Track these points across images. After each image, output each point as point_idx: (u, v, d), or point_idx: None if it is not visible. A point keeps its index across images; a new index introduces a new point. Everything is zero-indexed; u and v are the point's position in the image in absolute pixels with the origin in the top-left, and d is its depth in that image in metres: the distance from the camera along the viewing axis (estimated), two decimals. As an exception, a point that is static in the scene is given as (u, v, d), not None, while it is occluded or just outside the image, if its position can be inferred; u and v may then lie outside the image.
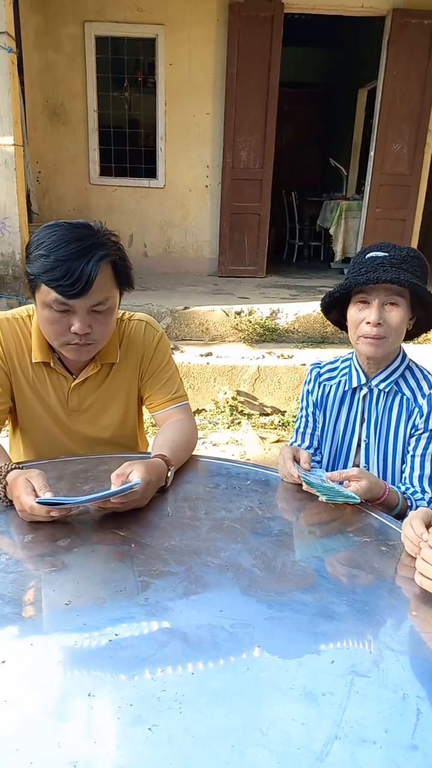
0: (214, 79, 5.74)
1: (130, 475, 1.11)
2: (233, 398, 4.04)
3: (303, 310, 4.54)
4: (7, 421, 1.47)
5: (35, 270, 1.17)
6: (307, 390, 1.46)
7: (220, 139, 5.85)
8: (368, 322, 1.25)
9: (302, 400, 1.48)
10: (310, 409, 1.46)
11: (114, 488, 1.07)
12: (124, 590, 0.89)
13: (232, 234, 6.02)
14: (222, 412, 3.97)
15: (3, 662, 0.75)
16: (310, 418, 1.47)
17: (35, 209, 5.61)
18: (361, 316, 1.28)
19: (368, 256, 1.27)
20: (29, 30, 5.56)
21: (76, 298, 1.17)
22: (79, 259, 1.14)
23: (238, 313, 4.55)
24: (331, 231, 6.56)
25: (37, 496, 1.04)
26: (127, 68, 5.94)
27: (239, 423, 3.93)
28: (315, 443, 1.47)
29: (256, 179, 5.85)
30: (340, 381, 1.42)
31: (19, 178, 4.33)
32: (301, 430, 1.48)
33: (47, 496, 1.03)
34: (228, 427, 3.87)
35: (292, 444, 1.49)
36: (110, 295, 1.24)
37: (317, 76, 9.01)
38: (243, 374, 4.07)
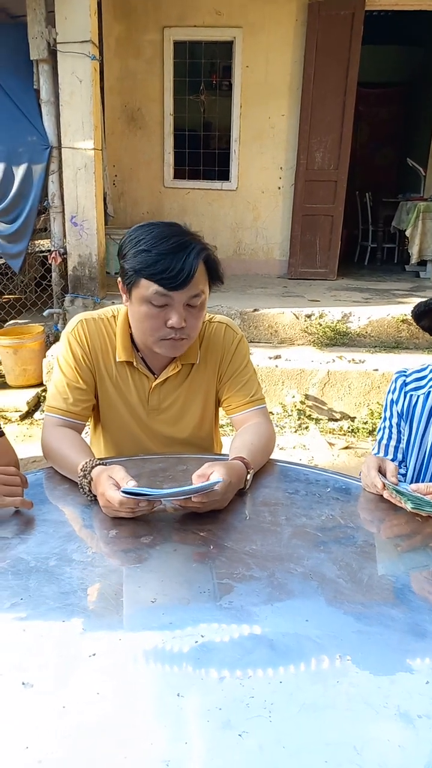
0: (290, 80, 5.71)
1: (211, 475, 1.11)
2: (301, 402, 3.99)
3: (376, 313, 4.42)
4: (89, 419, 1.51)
5: (137, 265, 1.22)
6: (392, 399, 1.41)
7: (295, 141, 5.80)
8: None
9: (385, 410, 1.43)
10: (395, 420, 1.41)
11: (198, 485, 1.08)
12: (207, 592, 0.89)
13: (304, 236, 5.95)
14: (289, 416, 3.93)
15: (93, 655, 0.76)
16: (394, 430, 1.41)
17: (110, 212, 5.76)
18: None
19: None
20: (111, 38, 5.73)
21: (177, 289, 1.21)
22: (180, 253, 1.19)
23: (309, 316, 4.49)
24: (407, 233, 6.35)
25: (119, 489, 1.06)
26: (204, 72, 6.00)
27: (306, 427, 3.88)
28: (399, 456, 1.41)
29: (331, 180, 5.76)
30: (429, 392, 1.35)
31: (97, 182, 4.46)
32: (384, 441, 1.43)
33: (130, 485, 1.05)
34: (295, 431, 3.83)
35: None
36: (204, 289, 1.28)
37: (395, 74, 8.75)
38: (312, 378, 4.01)
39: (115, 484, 1.08)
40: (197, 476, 1.12)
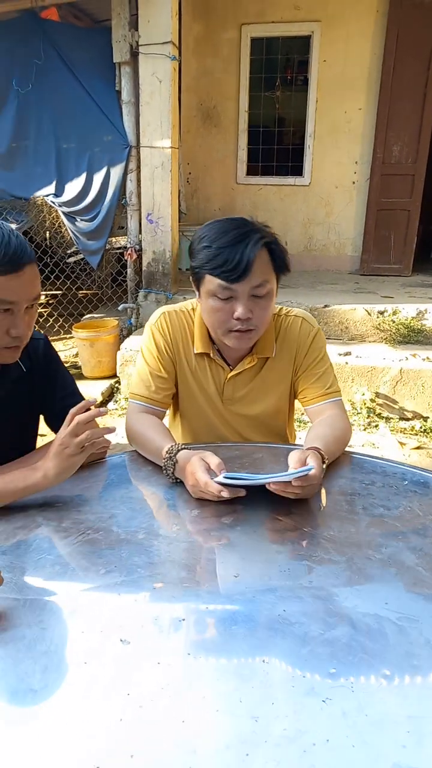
0: (368, 73, 5.60)
1: (307, 459, 1.13)
2: (371, 400, 3.94)
3: (453, 311, 4.29)
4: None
5: (200, 262, 1.27)
6: None
7: (371, 135, 5.69)
8: None
9: None
10: None
11: (291, 471, 1.10)
12: (288, 571, 0.93)
13: (378, 231, 5.84)
14: (359, 413, 3.89)
15: (183, 620, 0.82)
16: None
17: (183, 209, 5.87)
18: None
19: None
20: (189, 38, 5.83)
21: (237, 282, 1.24)
22: (239, 245, 1.22)
23: (381, 313, 4.41)
24: None
25: (210, 472, 1.11)
26: (279, 67, 5.98)
27: (376, 426, 3.82)
28: None
29: (408, 174, 5.62)
30: None
31: (173, 180, 4.57)
32: None
33: (223, 473, 1.10)
34: (364, 430, 3.79)
35: None
36: (268, 278, 1.29)
37: None
38: (383, 376, 3.95)
39: (207, 467, 1.13)
40: (297, 460, 1.13)
